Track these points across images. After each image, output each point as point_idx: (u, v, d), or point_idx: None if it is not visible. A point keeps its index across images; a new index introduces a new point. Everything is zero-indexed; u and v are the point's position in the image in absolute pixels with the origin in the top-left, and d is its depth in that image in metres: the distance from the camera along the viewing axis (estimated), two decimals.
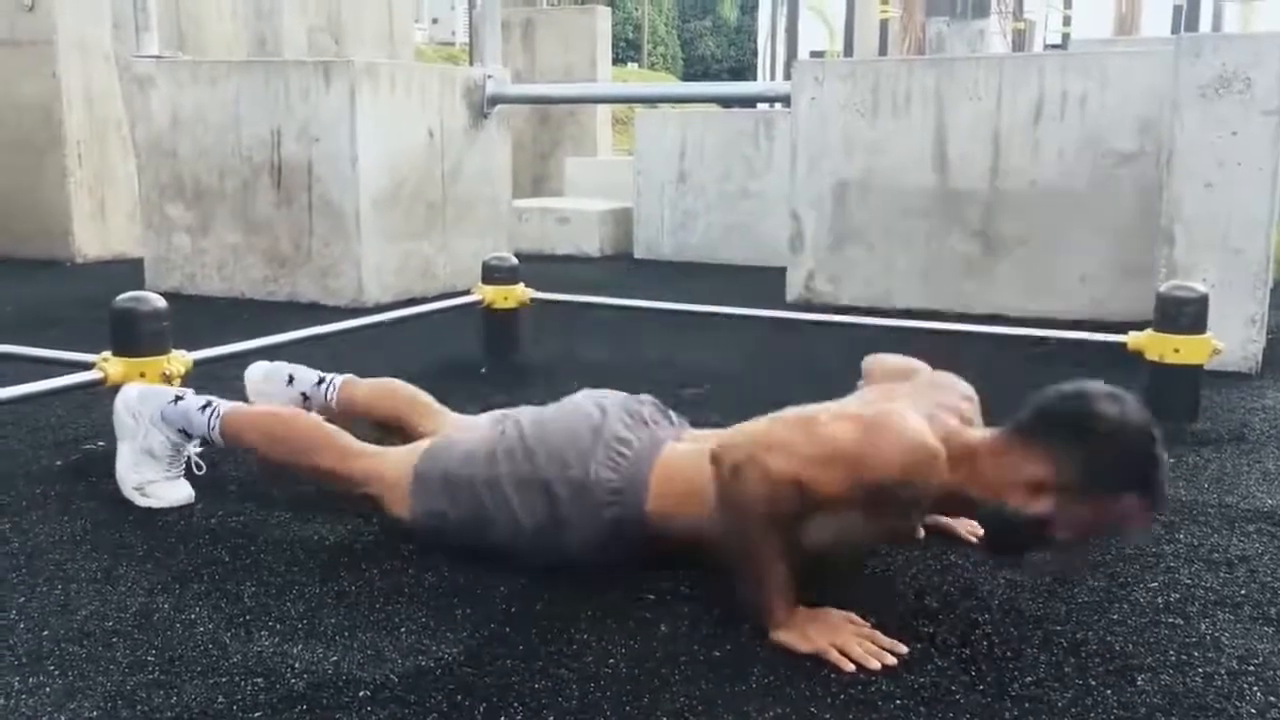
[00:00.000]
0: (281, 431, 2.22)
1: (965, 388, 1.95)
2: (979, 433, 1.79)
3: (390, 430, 2.37)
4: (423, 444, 2.11)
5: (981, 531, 2.11)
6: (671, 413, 2.09)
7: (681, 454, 1.92)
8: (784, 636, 1.66)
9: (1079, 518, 1.66)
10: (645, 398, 2.08)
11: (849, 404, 1.88)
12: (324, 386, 2.54)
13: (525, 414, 2.08)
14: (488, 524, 1.95)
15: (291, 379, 2.59)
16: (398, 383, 2.49)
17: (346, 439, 2.17)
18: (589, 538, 1.90)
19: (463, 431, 2.14)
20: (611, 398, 2.06)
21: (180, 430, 2.28)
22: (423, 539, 2.04)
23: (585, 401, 2.05)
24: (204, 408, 2.27)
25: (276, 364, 2.65)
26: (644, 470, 1.89)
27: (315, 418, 2.27)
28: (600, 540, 1.90)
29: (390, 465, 2.09)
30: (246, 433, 2.24)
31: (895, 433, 1.67)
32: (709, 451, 1.74)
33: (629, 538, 1.89)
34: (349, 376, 2.57)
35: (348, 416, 2.43)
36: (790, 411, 1.78)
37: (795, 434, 1.68)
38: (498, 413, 2.20)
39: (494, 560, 1.94)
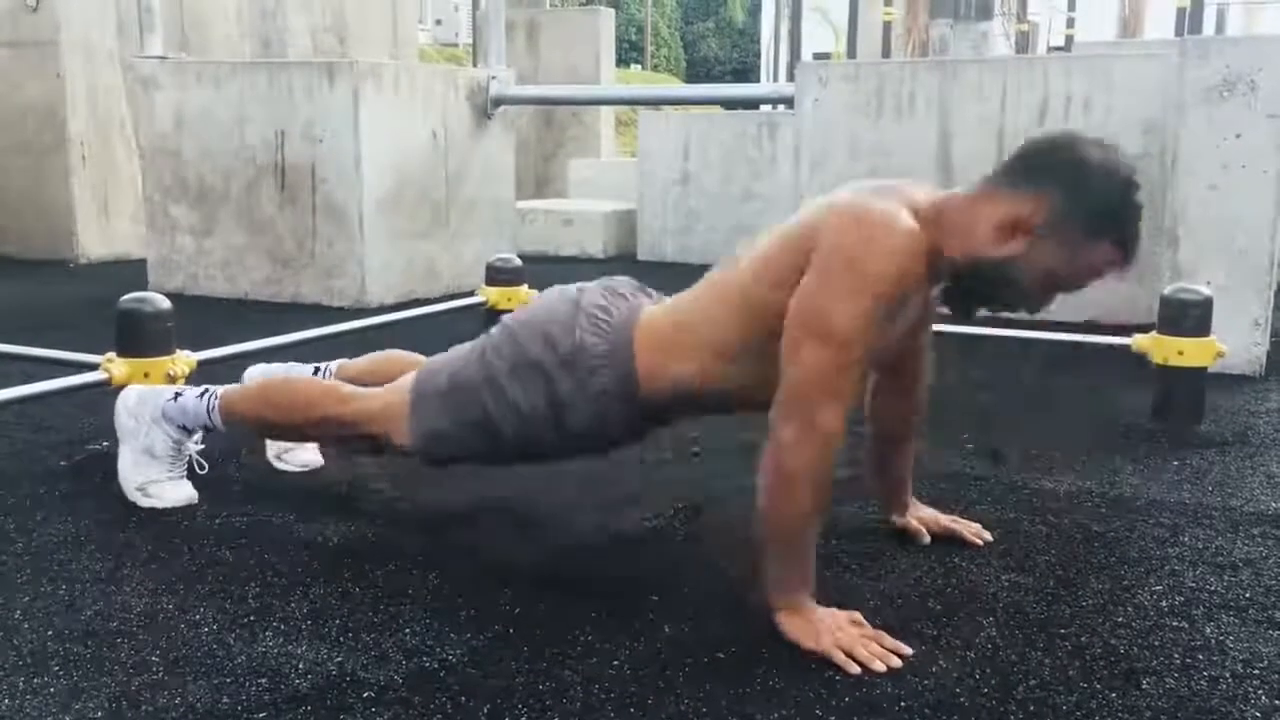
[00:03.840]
0: (278, 394, 2.24)
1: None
2: (942, 192, 1.78)
3: None
4: (413, 373, 2.12)
5: (987, 534, 2.12)
6: (651, 290, 2.09)
7: (663, 309, 1.95)
8: (792, 625, 1.66)
9: (1049, 263, 1.65)
10: (623, 278, 2.09)
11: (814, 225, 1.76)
12: (321, 374, 2.55)
13: (506, 316, 2.11)
14: (490, 424, 1.96)
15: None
16: (392, 351, 2.49)
17: (343, 387, 2.18)
18: (588, 408, 1.91)
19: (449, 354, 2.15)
20: (588, 282, 2.07)
21: (181, 427, 2.28)
22: (429, 461, 2.07)
23: (561, 287, 2.07)
24: (200, 395, 2.27)
25: (274, 365, 2.66)
26: (627, 332, 1.91)
27: (308, 376, 2.29)
28: (599, 410, 1.91)
29: (385, 399, 2.09)
30: (245, 404, 2.24)
31: (881, 235, 1.64)
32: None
33: (625, 399, 1.90)
34: (342, 360, 2.58)
35: None
36: (806, 305, 1.68)
37: (832, 371, 1.64)
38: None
39: (504, 467, 2.00)
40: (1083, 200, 1.62)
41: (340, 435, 2.18)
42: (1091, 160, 1.65)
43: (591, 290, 2.01)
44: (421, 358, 2.41)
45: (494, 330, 2.06)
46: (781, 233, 1.79)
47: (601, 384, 1.90)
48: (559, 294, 2.03)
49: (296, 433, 2.29)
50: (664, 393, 1.90)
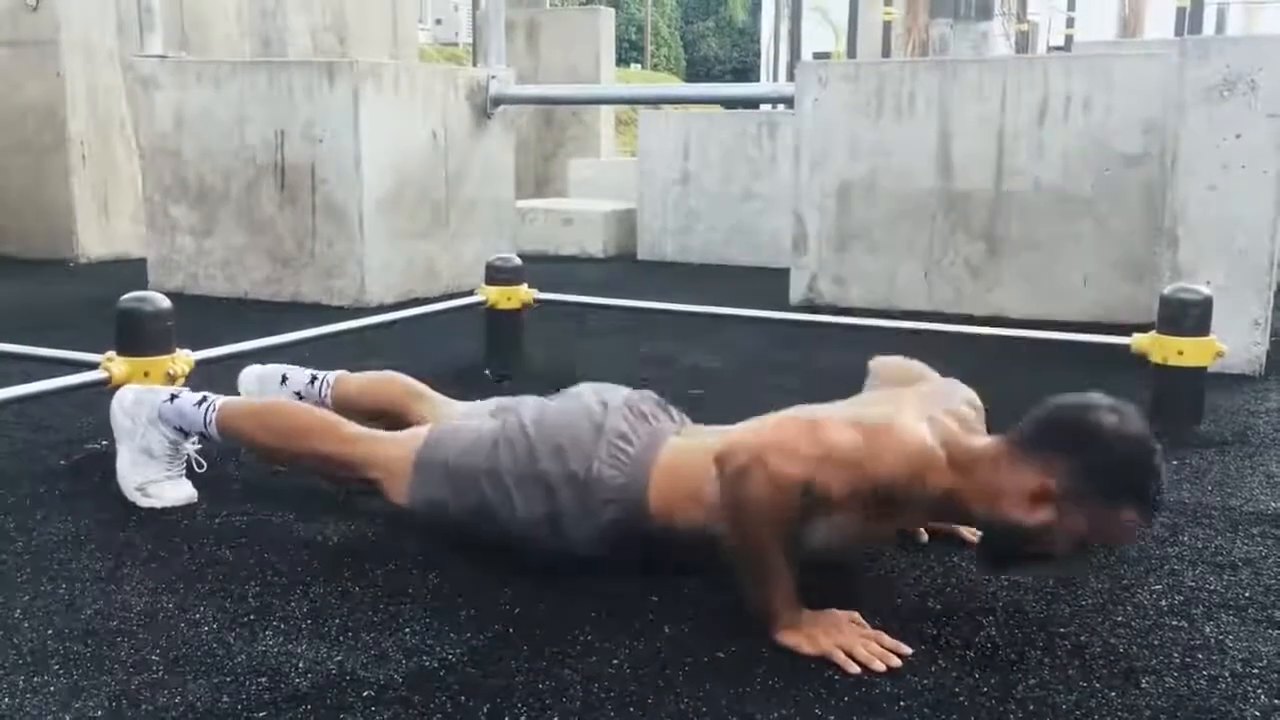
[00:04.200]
0: (277, 420, 2.22)
1: (969, 394, 1.95)
2: (980, 440, 1.78)
3: (386, 420, 2.37)
4: (423, 430, 2.11)
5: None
6: (672, 408, 2.09)
7: (683, 451, 1.92)
8: (789, 638, 1.66)
9: (1076, 528, 1.66)
10: (647, 393, 2.08)
11: (852, 405, 1.88)
12: (318, 384, 2.55)
13: (527, 404, 2.08)
14: (488, 515, 1.96)
15: (285, 379, 2.60)
16: (390, 373, 2.50)
17: (345, 424, 2.18)
18: (589, 534, 1.90)
19: (464, 420, 2.14)
20: (613, 391, 2.05)
21: (177, 428, 2.28)
22: (423, 525, 2.06)
23: (587, 394, 2.05)
24: (199, 403, 2.27)
25: (269, 366, 2.66)
26: (645, 468, 1.89)
27: (309, 405, 2.28)
28: (600, 537, 1.90)
29: (391, 451, 2.09)
30: (242, 423, 2.24)
31: (898, 436, 1.67)
32: (713, 453, 1.74)
33: (630, 536, 1.89)
34: (341, 373, 2.58)
35: (344, 412, 2.43)
36: (793, 411, 1.79)
37: (800, 436, 1.68)
38: (499, 400, 2.20)
39: (494, 551, 1.95)
40: (1099, 471, 1.63)
41: (337, 474, 2.19)
42: (1106, 429, 1.64)
43: (616, 410, 1.97)
44: (420, 386, 2.41)
45: (510, 421, 2.02)
46: (819, 409, 1.82)
47: (610, 516, 1.89)
48: (585, 411, 1.98)
49: (291, 462, 2.28)
50: (671, 536, 1.88)
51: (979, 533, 2.10)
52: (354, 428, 2.17)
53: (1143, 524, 1.71)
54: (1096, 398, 1.69)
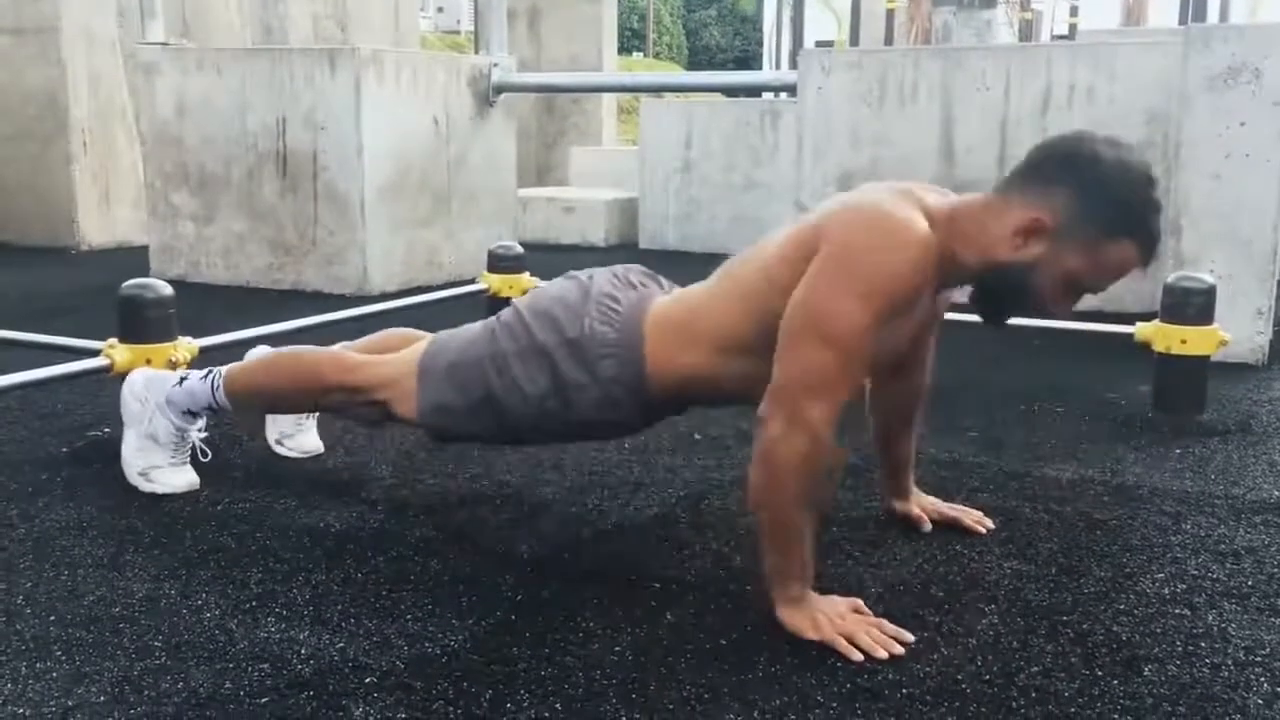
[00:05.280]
0: (283, 364, 2.24)
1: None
2: (956, 196, 1.77)
3: None
4: (422, 343, 2.12)
5: (989, 521, 2.12)
6: (661, 278, 2.09)
7: (674, 299, 1.95)
8: (792, 618, 1.66)
9: (1069, 265, 1.64)
10: (634, 266, 2.08)
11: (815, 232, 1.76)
12: None
13: (517, 299, 2.11)
14: (494, 403, 1.96)
15: None
16: (392, 329, 2.49)
17: (348, 355, 2.19)
18: (594, 396, 1.90)
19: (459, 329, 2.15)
20: (601, 268, 2.06)
21: (186, 412, 2.27)
22: (433, 434, 2.08)
23: (572, 273, 2.07)
24: (205, 376, 2.27)
25: (276, 349, 2.66)
26: (637, 322, 1.91)
27: (312, 346, 2.29)
28: (604, 397, 1.90)
29: (395, 366, 2.09)
30: (250, 377, 2.25)
31: (884, 253, 1.63)
32: (710, 291, 1.81)
33: (632, 388, 1.90)
34: (344, 343, 2.57)
35: None
36: (796, 318, 1.68)
37: (823, 361, 1.63)
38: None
39: (507, 448, 2.01)
40: (1098, 199, 1.61)
41: (345, 403, 2.17)
42: (1105, 158, 1.63)
43: (601, 277, 2.00)
44: (425, 334, 2.41)
45: (504, 312, 2.06)
46: (793, 231, 1.78)
47: (609, 372, 1.89)
48: (569, 280, 2.03)
49: (300, 402, 2.29)
50: (672, 382, 1.90)
51: (983, 522, 2.11)
52: (355, 356, 2.18)
53: (1141, 262, 1.67)
54: (1092, 132, 1.67)
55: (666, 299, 1.97)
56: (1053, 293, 1.69)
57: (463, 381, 1.99)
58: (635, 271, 2.05)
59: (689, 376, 1.88)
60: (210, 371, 2.28)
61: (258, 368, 2.28)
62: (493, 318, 2.08)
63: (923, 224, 1.66)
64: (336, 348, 2.54)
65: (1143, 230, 1.63)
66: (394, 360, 2.11)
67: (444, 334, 2.12)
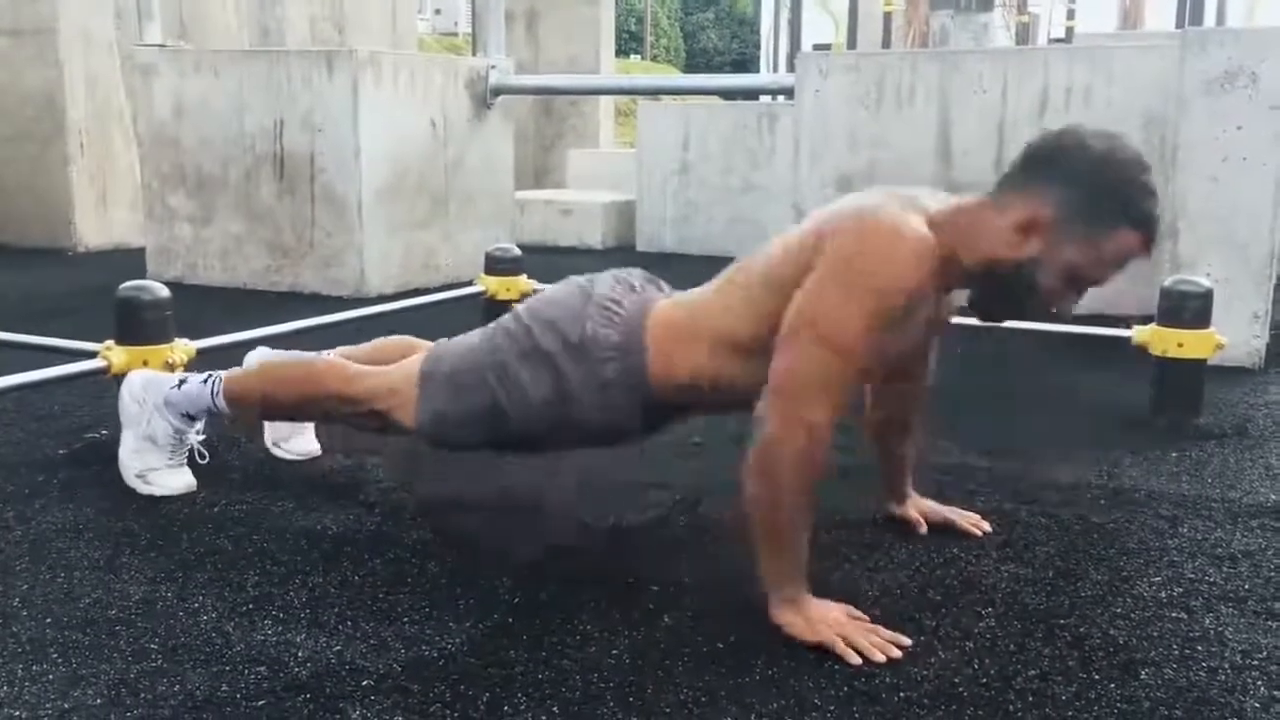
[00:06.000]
0: (282, 371, 2.24)
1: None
2: (954, 198, 1.78)
3: None
4: (422, 352, 2.12)
5: (986, 525, 2.12)
6: (661, 282, 2.09)
7: (676, 303, 1.95)
8: (789, 621, 1.66)
9: (1070, 259, 1.65)
10: (634, 270, 2.08)
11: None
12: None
13: (518, 305, 2.11)
14: (496, 411, 1.96)
15: None
16: (389, 338, 2.49)
17: (349, 364, 2.18)
18: (595, 400, 1.90)
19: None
20: (601, 273, 2.06)
21: (184, 415, 2.27)
22: (434, 443, 2.07)
23: (574, 278, 2.07)
24: (204, 380, 2.27)
25: (275, 350, 2.65)
26: (639, 324, 1.91)
27: (311, 354, 2.29)
28: (606, 401, 1.90)
29: (394, 377, 2.09)
30: (251, 382, 2.25)
31: (886, 261, 1.63)
32: (707, 298, 1.84)
33: (634, 391, 1.90)
34: (341, 348, 2.57)
35: None
36: (800, 316, 1.69)
37: (822, 365, 1.64)
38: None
39: (507, 455, 2.00)
40: (1091, 188, 1.62)
41: (345, 413, 2.17)
42: (1095, 149, 1.64)
43: (603, 281, 2.00)
44: (425, 342, 2.41)
45: (505, 317, 2.05)
46: (795, 235, 1.79)
47: (610, 375, 1.89)
48: (569, 284, 2.02)
49: (300, 410, 2.28)
50: (673, 386, 1.89)
51: (979, 525, 2.11)
52: (357, 366, 2.17)
53: (1142, 248, 1.67)
54: (1082, 125, 1.68)
55: (668, 302, 1.97)
56: (1055, 288, 1.69)
57: (464, 388, 1.98)
58: (636, 275, 2.05)
59: (691, 379, 1.88)
60: (210, 376, 2.27)
61: (258, 375, 2.27)
62: (493, 324, 2.08)
63: (923, 228, 1.67)
64: (334, 352, 2.55)
65: (1138, 215, 1.64)
66: (394, 370, 2.11)
67: (444, 342, 2.11)
